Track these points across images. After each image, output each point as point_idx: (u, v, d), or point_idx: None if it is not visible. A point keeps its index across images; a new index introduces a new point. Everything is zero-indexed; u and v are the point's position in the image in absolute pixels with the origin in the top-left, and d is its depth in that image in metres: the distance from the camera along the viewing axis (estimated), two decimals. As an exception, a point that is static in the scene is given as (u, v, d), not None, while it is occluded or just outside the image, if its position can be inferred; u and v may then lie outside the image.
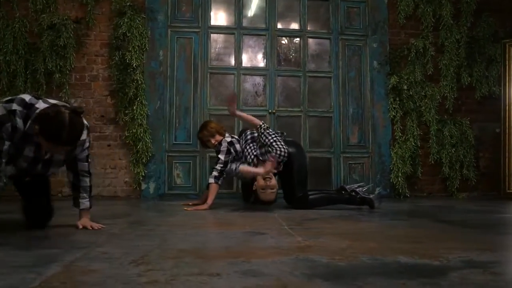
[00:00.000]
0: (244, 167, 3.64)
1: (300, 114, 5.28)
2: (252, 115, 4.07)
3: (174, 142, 5.04)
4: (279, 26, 5.35)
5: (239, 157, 3.89)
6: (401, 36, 5.46)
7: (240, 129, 4.72)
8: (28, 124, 2.06)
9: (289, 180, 3.83)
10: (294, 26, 5.41)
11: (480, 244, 2.07)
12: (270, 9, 5.31)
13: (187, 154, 5.04)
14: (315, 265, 1.54)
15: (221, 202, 4.07)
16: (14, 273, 1.42)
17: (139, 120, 4.81)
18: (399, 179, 5.17)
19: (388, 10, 5.43)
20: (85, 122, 2.27)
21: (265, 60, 5.30)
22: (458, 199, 5.11)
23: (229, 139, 3.96)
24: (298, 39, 5.37)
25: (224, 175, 3.89)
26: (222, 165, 3.85)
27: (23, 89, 4.58)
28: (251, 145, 3.80)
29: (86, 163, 2.44)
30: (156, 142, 4.92)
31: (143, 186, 4.88)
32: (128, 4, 4.86)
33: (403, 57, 5.37)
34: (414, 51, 5.31)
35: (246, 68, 5.26)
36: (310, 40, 5.40)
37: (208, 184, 3.89)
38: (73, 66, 4.81)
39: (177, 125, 5.06)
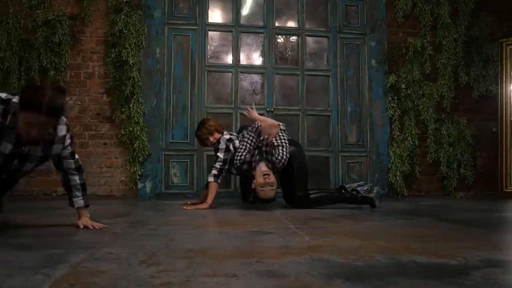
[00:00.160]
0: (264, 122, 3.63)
1: (298, 112, 5.24)
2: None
3: (171, 140, 4.97)
4: (277, 24, 5.31)
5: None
6: (399, 35, 5.44)
7: (239, 127, 4.69)
8: (8, 118, 2.03)
9: (289, 179, 3.78)
10: (292, 24, 5.38)
11: (491, 243, 2.05)
12: (268, 7, 5.26)
13: (184, 153, 4.98)
14: (332, 265, 1.50)
15: (220, 201, 4.01)
16: (19, 274, 1.35)
17: (135, 118, 4.74)
18: (397, 178, 5.16)
19: (386, 8, 5.42)
20: (64, 119, 2.25)
21: (263, 58, 5.25)
22: (456, 198, 5.10)
23: (227, 137, 3.90)
24: (296, 37, 5.33)
25: (224, 174, 3.83)
26: (221, 163, 3.79)
27: (17, 87, 4.49)
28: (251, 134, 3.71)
29: (72, 161, 2.36)
30: (152, 140, 4.85)
31: (140, 185, 4.81)
32: (124, 0, 4.79)
33: (401, 56, 5.36)
34: (412, 50, 5.30)
35: (244, 66, 5.21)
36: (308, 38, 5.36)
37: (207, 183, 3.83)
38: (68, 63, 4.72)
39: (174, 123, 5.00)
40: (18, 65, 4.58)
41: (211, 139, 3.96)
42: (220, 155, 3.81)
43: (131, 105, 4.73)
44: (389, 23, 5.42)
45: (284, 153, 3.58)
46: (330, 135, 5.29)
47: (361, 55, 5.39)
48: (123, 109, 4.76)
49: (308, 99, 5.27)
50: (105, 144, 4.85)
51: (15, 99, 2.05)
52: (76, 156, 2.40)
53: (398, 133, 5.27)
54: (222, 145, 3.83)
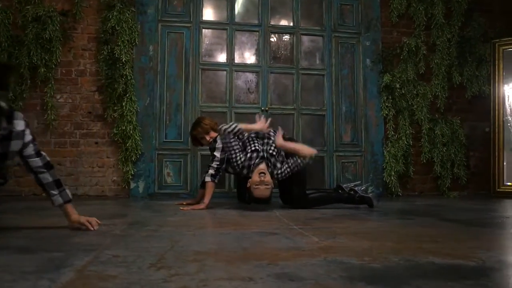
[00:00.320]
0: (242, 125, 3.57)
1: (293, 112, 5.19)
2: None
3: (164, 140, 4.89)
4: (272, 22, 5.26)
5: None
6: (393, 34, 5.43)
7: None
8: None
9: (286, 179, 3.73)
10: (287, 22, 5.33)
11: (499, 243, 2.03)
12: (263, 5, 5.21)
13: (178, 152, 4.89)
14: (349, 267, 1.45)
15: (215, 202, 3.93)
16: (22, 279, 1.28)
17: (128, 117, 4.63)
18: (392, 178, 5.14)
19: (381, 8, 5.40)
20: (21, 114, 2.13)
21: (257, 56, 5.19)
22: (450, 198, 5.11)
23: (224, 135, 3.83)
24: (290, 36, 5.29)
25: (221, 173, 3.77)
26: (218, 163, 3.72)
27: (6, 84, 4.35)
28: (256, 140, 3.64)
29: (38, 159, 2.22)
30: (145, 139, 4.75)
31: (132, 185, 4.71)
32: (117, -4, 4.69)
33: (396, 55, 5.35)
34: (407, 49, 5.29)
35: (239, 65, 5.14)
36: (303, 37, 5.32)
37: (203, 183, 3.75)
38: (59, 61, 4.60)
39: (167, 122, 4.91)
40: (7, 62, 4.46)
41: (207, 138, 3.89)
42: (217, 154, 3.73)
43: (123, 104, 4.63)
44: (383, 22, 5.41)
45: (288, 171, 3.55)
46: (325, 134, 5.26)
47: (355, 54, 5.37)
48: (115, 108, 4.65)
49: (302, 98, 5.23)
50: (96, 143, 4.74)
51: None
52: (43, 153, 2.26)
53: (392, 132, 5.26)
54: (219, 144, 3.73)
